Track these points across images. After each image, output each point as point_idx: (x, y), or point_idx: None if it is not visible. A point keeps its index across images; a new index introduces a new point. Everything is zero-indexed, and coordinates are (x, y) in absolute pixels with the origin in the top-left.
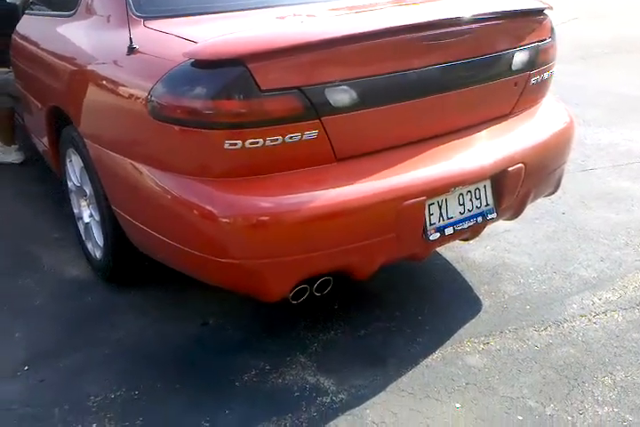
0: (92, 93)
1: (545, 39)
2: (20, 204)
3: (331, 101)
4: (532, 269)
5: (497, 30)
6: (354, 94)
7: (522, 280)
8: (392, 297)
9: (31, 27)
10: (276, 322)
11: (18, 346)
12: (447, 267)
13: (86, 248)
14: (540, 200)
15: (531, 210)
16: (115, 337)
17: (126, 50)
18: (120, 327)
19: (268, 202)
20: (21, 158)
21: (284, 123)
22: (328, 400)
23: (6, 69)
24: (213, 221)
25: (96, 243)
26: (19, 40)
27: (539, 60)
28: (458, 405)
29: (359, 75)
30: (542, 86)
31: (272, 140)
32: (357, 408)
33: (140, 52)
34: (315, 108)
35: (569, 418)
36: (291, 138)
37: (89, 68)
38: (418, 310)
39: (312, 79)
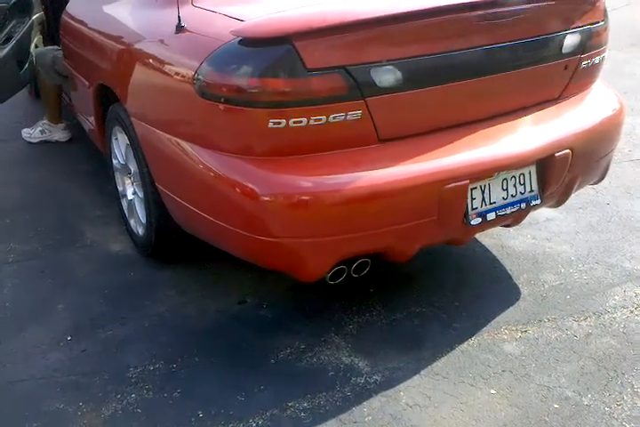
0: (140, 72)
1: (598, 22)
2: (65, 181)
3: (376, 82)
4: (573, 258)
5: (548, 11)
6: (399, 75)
7: (562, 270)
8: (429, 282)
9: (80, 6)
10: (313, 303)
11: (62, 317)
12: (486, 254)
13: (129, 225)
14: (583, 189)
15: (574, 199)
16: (155, 312)
17: (174, 28)
18: (160, 302)
19: (309, 182)
20: (68, 137)
21: (329, 102)
22: (362, 381)
23: (56, 47)
24: (255, 199)
25: (139, 220)
26: (67, 19)
27: (591, 44)
28: (493, 391)
29: (405, 55)
30: (593, 71)
31: (316, 120)
32: (391, 390)
33: (187, 30)
34: (360, 89)
35: (606, 409)
36: (334, 118)
37: (137, 46)
38: (455, 295)
39: (358, 59)
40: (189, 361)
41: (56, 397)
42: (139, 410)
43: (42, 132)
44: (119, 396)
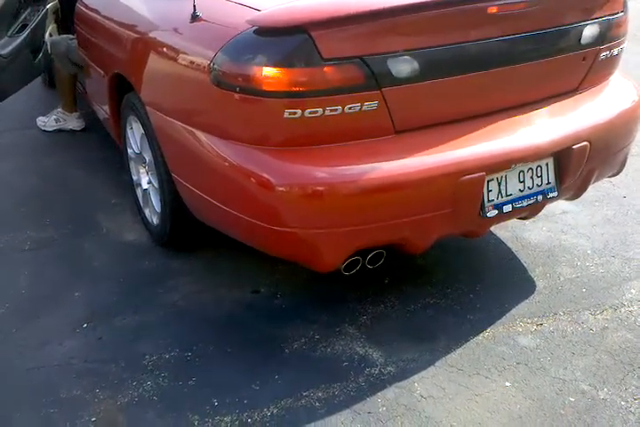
0: (155, 61)
1: (617, 12)
2: (80, 170)
3: (392, 72)
4: (589, 252)
5: (567, 2)
6: (416, 65)
7: (578, 263)
8: (443, 274)
9: None
10: (327, 293)
11: (77, 305)
12: (501, 246)
13: (144, 214)
14: (600, 182)
15: (590, 192)
16: (170, 300)
17: (189, 17)
18: (175, 291)
19: (324, 172)
20: (82, 125)
21: (345, 93)
22: (376, 372)
23: (70, 36)
24: (270, 189)
25: (154, 209)
26: (82, 8)
27: (609, 35)
28: (507, 383)
29: (422, 45)
30: (612, 62)
31: (331, 110)
32: (405, 381)
33: (203, 19)
34: (376, 79)
35: (622, 403)
36: (350, 108)
37: (152, 35)
38: (469, 288)
39: (374, 49)
40: (204, 350)
41: (73, 383)
42: (154, 397)
43: (56, 120)
44: (135, 383)
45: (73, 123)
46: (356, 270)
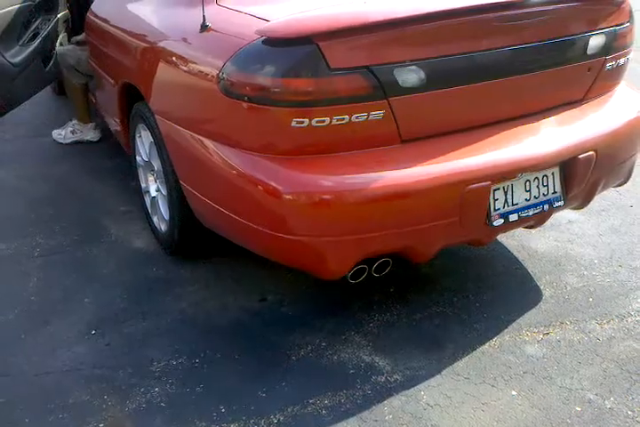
0: (164, 70)
1: (623, 23)
2: (91, 178)
3: (399, 82)
4: (596, 261)
5: (573, 12)
6: (423, 75)
7: (585, 272)
8: (450, 283)
9: (105, 5)
10: (333, 301)
11: (87, 311)
12: (507, 255)
13: (152, 221)
14: (606, 192)
15: (597, 202)
16: (178, 307)
17: (199, 27)
18: (183, 298)
19: (331, 181)
20: (98, 136)
21: (352, 102)
22: (383, 380)
23: (77, 46)
24: (277, 197)
25: (162, 216)
26: (92, 18)
27: (615, 45)
28: (514, 392)
29: (429, 55)
30: (617, 72)
31: (338, 120)
32: (412, 389)
33: (212, 29)
34: (383, 89)
35: (629, 413)
36: (357, 118)
37: (161, 45)
38: (476, 296)
39: (381, 59)
40: (212, 357)
41: (82, 389)
42: (162, 404)
43: (72, 132)
44: (143, 390)
45: (90, 134)
46: (362, 279)
